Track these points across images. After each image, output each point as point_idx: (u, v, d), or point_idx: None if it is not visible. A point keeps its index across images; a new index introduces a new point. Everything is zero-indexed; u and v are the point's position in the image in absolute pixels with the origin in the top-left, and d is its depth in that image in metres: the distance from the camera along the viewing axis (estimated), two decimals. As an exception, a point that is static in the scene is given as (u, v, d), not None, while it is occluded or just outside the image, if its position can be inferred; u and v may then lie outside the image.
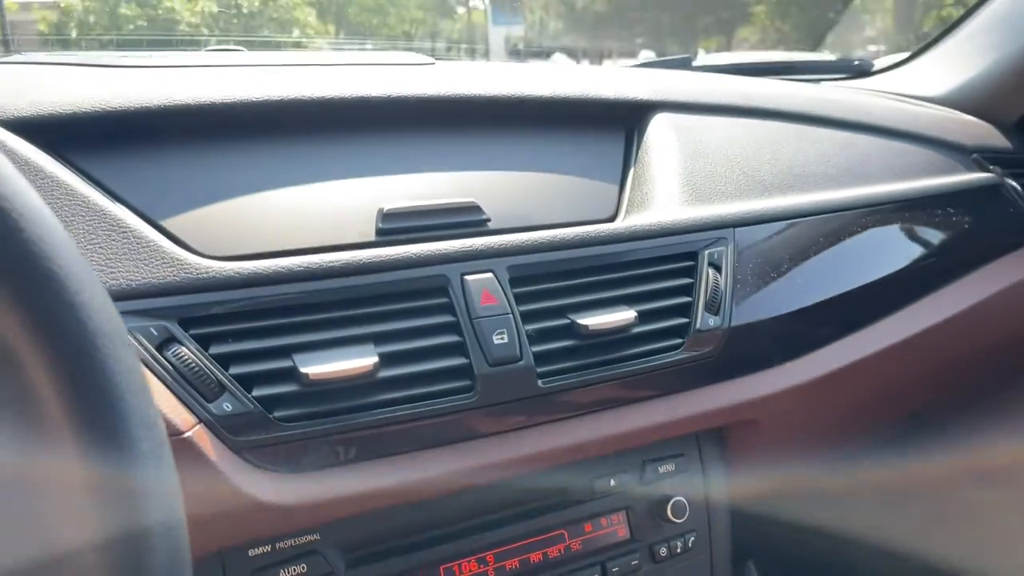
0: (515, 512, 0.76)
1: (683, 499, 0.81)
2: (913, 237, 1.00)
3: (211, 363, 0.59)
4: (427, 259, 0.68)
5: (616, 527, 0.80)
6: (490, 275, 0.69)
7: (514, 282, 0.70)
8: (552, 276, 0.73)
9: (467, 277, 0.68)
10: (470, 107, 0.83)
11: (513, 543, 0.75)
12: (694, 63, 1.47)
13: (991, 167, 1.13)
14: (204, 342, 0.60)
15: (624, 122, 0.92)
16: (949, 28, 1.38)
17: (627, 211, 0.82)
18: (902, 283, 0.96)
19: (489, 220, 0.74)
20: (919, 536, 1.24)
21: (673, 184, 0.84)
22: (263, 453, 0.61)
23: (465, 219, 0.73)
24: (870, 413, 1.07)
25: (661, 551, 0.81)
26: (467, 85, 0.83)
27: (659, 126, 0.90)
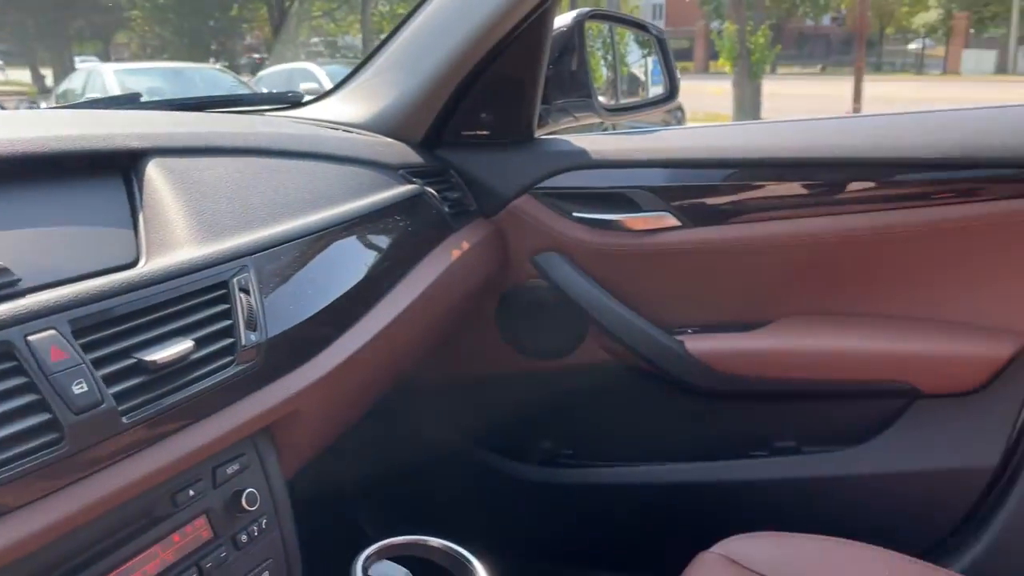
0: (112, 542, 0.81)
1: (253, 490, 0.94)
2: (379, 242, 1.28)
3: None
4: None
5: (201, 530, 0.89)
6: (53, 332, 0.73)
7: (77, 334, 0.75)
8: (111, 322, 0.79)
9: (30, 338, 0.71)
10: None
11: (113, 571, 0.80)
12: (142, 99, 1.54)
13: (414, 179, 1.46)
14: None
15: (120, 169, 0.98)
16: (360, 65, 1.70)
17: (149, 254, 0.91)
18: (380, 277, 1.22)
19: (20, 280, 0.76)
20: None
21: (187, 225, 0.94)
22: None
23: None
24: (383, 382, 1.32)
25: (242, 538, 0.93)
26: None
27: (156, 171, 0.99)
